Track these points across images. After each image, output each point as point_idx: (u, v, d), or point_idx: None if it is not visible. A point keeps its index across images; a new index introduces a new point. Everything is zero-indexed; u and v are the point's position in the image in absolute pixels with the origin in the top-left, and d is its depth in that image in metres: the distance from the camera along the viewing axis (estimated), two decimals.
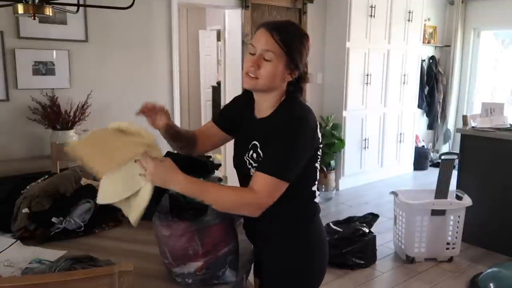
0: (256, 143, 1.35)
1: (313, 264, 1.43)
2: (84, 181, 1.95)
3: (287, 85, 1.38)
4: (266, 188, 1.25)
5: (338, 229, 3.29)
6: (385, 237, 3.69)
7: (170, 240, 1.27)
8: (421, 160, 6.17)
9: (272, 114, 1.38)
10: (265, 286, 1.48)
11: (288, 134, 1.28)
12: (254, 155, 1.35)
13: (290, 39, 1.32)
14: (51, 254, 1.44)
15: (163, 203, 1.34)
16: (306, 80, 1.41)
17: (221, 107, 5.14)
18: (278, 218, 1.37)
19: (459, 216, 3.25)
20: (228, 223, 1.33)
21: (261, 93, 1.39)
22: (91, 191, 1.80)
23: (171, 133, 1.51)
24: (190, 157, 1.93)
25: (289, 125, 1.29)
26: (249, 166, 1.37)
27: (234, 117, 1.52)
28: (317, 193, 1.45)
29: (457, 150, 4.05)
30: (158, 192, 1.29)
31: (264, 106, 1.40)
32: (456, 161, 3.49)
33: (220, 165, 2.23)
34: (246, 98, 1.48)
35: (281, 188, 1.27)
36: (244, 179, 1.39)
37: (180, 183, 1.24)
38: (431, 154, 6.46)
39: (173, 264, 1.29)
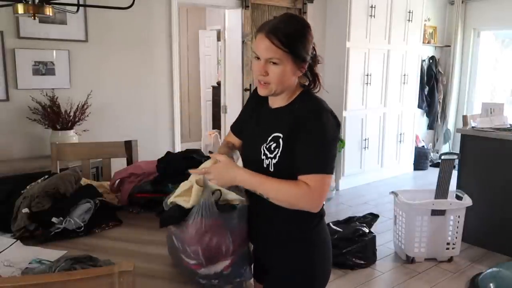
0: (279, 134, 1.34)
1: (320, 267, 1.42)
2: (84, 181, 1.96)
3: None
4: (317, 184, 1.26)
5: (338, 229, 3.29)
6: (385, 237, 3.69)
7: (205, 236, 1.26)
8: (421, 160, 6.17)
9: (291, 103, 1.38)
10: None
11: (320, 128, 1.28)
12: (273, 146, 1.34)
13: (291, 38, 1.29)
14: (51, 254, 1.44)
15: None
16: (318, 62, 1.43)
17: (221, 107, 5.11)
18: (286, 221, 1.36)
19: (459, 216, 3.25)
20: (247, 225, 1.37)
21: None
22: (91, 191, 1.81)
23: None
24: (190, 157, 1.93)
25: (318, 119, 1.29)
26: (263, 157, 1.35)
27: (246, 118, 1.55)
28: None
29: (457, 150, 4.06)
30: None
31: (280, 99, 1.41)
32: (456, 161, 3.49)
33: None
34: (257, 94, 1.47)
35: (329, 182, 1.29)
36: (256, 170, 1.37)
37: (241, 175, 1.32)
38: (431, 154, 6.46)
39: (203, 264, 1.28)
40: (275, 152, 1.33)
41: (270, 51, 1.29)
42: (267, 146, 1.35)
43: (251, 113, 1.52)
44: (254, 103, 1.52)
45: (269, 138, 1.35)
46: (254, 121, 1.50)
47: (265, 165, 1.34)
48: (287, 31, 1.29)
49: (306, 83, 1.43)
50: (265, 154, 1.35)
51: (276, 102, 1.42)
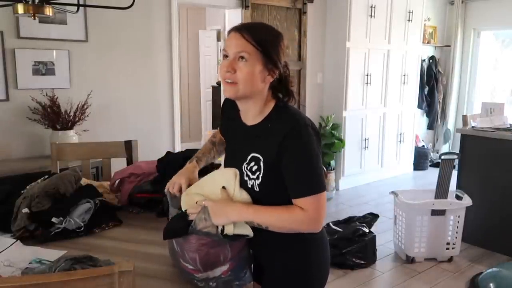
0: (258, 156, 1.30)
1: (318, 267, 1.41)
2: (84, 181, 1.96)
3: (274, 89, 1.34)
4: (312, 206, 1.24)
5: (338, 229, 3.29)
6: (385, 237, 3.69)
7: (204, 246, 1.26)
8: (421, 160, 6.17)
9: (265, 120, 1.34)
10: None
11: (302, 147, 1.24)
12: (254, 167, 1.31)
13: (263, 37, 1.27)
14: (51, 254, 1.44)
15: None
16: (291, 84, 1.37)
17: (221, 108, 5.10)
18: None
19: (459, 216, 3.25)
20: None
21: (243, 100, 1.34)
22: (91, 191, 1.81)
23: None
24: (190, 157, 1.93)
25: (299, 137, 1.25)
26: (246, 178, 1.33)
27: (224, 125, 1.54)
28: None
29: (457, 150, 4.05)
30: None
31: (252, 113, 1.36)
32: (456, 161, 3.49)
33: (220, 165, 2.22)
34: (229, 102, 1.46)
35: (323, 199, 1.27)
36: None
37: (234, 211, 1.28)
38: (431, 154, 6.46)
39: (200, 270, 1.28)
40: (257, 173, 1.30)
41: (240, 45, 1.26)
42: (248, 167, 1.32)
43: (227, 121, 1.51)
44: (228, 111, 1.49)
45: (248, 158, 1.32)
46: (231, 133, 1.48)
47: (249, 186, 1.33)
48: (260, 31, 1.29)
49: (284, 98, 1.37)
50: (247, 175, 1.32)
51: (249, 119, 1.37)
